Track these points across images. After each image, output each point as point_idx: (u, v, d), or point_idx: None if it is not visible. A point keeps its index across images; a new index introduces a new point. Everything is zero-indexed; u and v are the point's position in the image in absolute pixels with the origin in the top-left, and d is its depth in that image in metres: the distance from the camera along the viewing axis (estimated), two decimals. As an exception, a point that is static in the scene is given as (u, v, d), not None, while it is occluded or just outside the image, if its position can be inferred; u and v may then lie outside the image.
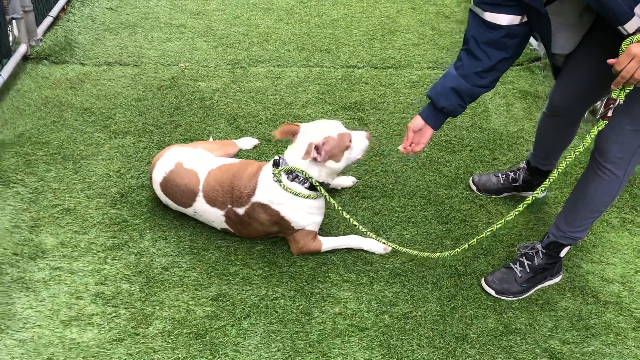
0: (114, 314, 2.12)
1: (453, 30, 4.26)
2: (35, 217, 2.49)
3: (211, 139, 2.98)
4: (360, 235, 2.45)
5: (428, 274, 2.35)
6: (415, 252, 2.28)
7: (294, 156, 2.26)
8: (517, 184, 2.70)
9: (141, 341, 2.04)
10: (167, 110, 3.22)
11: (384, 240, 2.33)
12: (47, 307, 2.14)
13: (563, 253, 2.29)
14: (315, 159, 2.21)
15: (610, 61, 1.72)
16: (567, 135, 2.47)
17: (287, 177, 2.26)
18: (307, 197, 2.26)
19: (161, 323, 2.10)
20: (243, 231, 2.39)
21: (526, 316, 2.21)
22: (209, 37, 3.98)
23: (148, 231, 2.46)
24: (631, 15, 1.65)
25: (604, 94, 2.15)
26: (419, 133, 2.23)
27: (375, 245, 2.41)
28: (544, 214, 2.69)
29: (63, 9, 4.15)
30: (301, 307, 2.18)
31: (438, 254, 2.26)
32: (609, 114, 1.83)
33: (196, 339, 2.05)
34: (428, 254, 2.27)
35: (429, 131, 2.21)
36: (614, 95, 1.79)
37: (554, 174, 2.01)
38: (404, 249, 2.29)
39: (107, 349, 2.00)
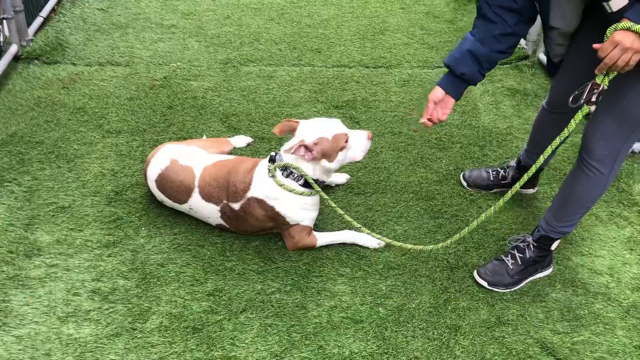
0: (111, 310, 2.13)
1: (442, 29, 4.32)
2: (30, 215, 2.49)
3: (205, 137, 3.00)
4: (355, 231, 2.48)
5: (421, 267, 2.39)
6: (409, 246, 2.32)
7: (288, 152, 2.29)
8: (506, 181, 2.74)
9: (138, 336, 2.05)
10: (159, 110, 3.23)
11: (377, 236, 2.36)
12: (44, 303, 2.14)
13: (554, 246, 2.34)
14: (304, 157, 2.24)
15: (595, 46, 1.75)
16: (560, 128, 2.46)
17: (282, 174, 2.29)
18: (301, 194, 2.29)
19: (158, 318, 2.12)
20: (239, 227, 2.41)
21: (518, 307, 2.25)
22: (200, 37, 4.00)
23: (143, 228, 2.48)
24: None
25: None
26: (440, 104, 2.16)
27: (369, 240, 2.44)
28: (533, 208, 2.74)
29: (53, 10, 4.15)
30: (297, 300, 2.21)
31: (431, 246, 2.30)
32: (593, 98, 1.84)
33: (193, 333, 2.07)
34: (421, 247, 2.30)
35: (450, 101, 2.15)
36: (597, 80, 1.82)
37: (532, 168, 2.05)
38: (398, 243, 2.33)
39: (104, 344, 2.02)
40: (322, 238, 2.42)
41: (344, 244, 2.46)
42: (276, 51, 3.89)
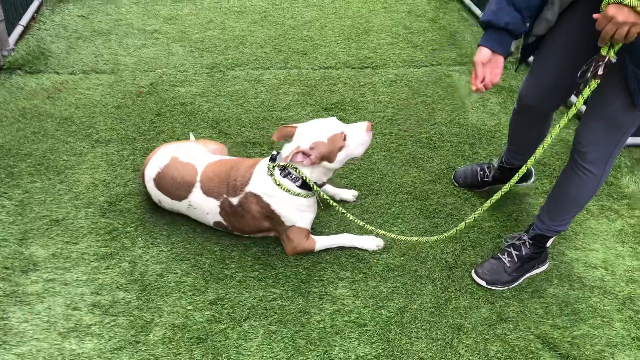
0: (112, 323, 2.11)
1: (425, 28, 4.34)
2: (23, 229, 2.45)
3: (192, 136, 2.96)
4: (355, 233, 2.48)
5: (420, 267, 2.41)
6: (414, 238, 2.30)
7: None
8: (487, 179, 2.76)
9: (142, 348, 2.03)
10: (148, 117, 3.20)
11: (382, 232, 2.36)
12: (44, 319, 2.11)
13: (549, 243, 2.37)
14: (303, 162, 2.24)
15: (595, 16, 1.70)
16: (539, 131, 2.45)
17: (280, 173, 2.29)
18: (297, 194, 2.29)
19: (161, 329, 2.10)
20: (236, 224, 2.40)
21: (517, 304, 2.28)
22: (184, 42, 3.97)
23: (140, 239, 2.45)
24: None
25: (575, 87, 2.22)
26: (489, 65, 1.98)
27: (367, 242, 2.45)
28: (526, 204, 2.77)
29: (33, 18, 4.09)
30: (299, 306, 2.21)
31: (436, 236, 2.27)
32: (600, 72, 1.80)
33: (198, 344, 2.06)
34: (425, 238, 2.29)
35: (499, 59, 1.98)
36: (602, 52, 1.79)
37: (523, 169, 2.06)
38: (403, 237, 2.33)
39: (108, 358, 1.99)
40: (321, 242, 2.42)
41: (342, 248, 2.46)
42: (262, 54, 3.88)
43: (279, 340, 2.09)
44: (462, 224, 2.23)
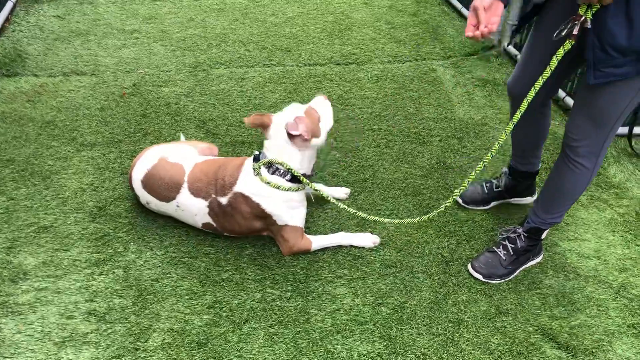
0: (109, 331, 2.07)
1: (407, 23, 4.35)
2: (10, 237, 2.39)
3: (182, 137, 2.92)
4: (351, 232, 2.47)
5: (417, 263, 2.41)
6: (416, 219, 2.27)
7: (272, 149, 2.26)
8: (500, 189, 2.67)
9: (142, 355, 1.99)
10: (133, 119, 3.14)
11: (387, 219, 2.34)
12: (37, 329, 2.06)
13: (544, 236, 2.39)
14: (299, 139, 2.21)
15: None
16: (535, 129, 2.42)
17: (268, 171, 2.27)
18: (289, 189, 2.27)
19: (160, 335, 2.06)
20: (226, 225, 2.37)
21: (515, 296, 2.29)
22: (165, 42, 3.91)
23: (132, 243, 2.41)
24: None
25: (561, 80, 2.23)
26: (489, 11, 1.86)
27: (364, 239, 2.44)
28: (517, 197, 2.79)
29: (7, 19, 3.98)
30: (299, 306, 2.19)
31: (435, 211, 2.22)
32: (575, 31, 1.79)
33: (198, 348, 2.03)
34: (418, 218, 2.29)
35: (499, 6, 1.85)
36: (580, 12, 1.78)
37: (488, 156, 2.04)
38: (396, 220, 2.34)
39: (107, 367, 1.96)
40: (317, 241, 2.41)
41: (338, 246, 2.45)
42: (245, 52, 3.84)
43: (281, 342, 2.07)
44: (442, 206, 2.21)
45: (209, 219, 2.37)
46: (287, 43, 3.96)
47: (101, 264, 2.31)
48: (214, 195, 2.32)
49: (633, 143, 3.12)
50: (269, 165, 2.26)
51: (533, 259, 2.43)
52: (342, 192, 2.71)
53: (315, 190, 2.30)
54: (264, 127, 2.26)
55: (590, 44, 1.83)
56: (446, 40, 4.14)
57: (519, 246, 2.38)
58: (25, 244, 2.37)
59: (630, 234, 2.61)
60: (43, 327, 2.07)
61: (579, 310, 2.26)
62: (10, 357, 1.97)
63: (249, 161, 2.33)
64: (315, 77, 3.60)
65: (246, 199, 2.28)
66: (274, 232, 2.39)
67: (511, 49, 3.92)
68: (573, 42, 1.83)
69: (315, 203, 2.61)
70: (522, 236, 2.39)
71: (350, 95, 3.46)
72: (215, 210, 2.34)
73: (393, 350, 2.06)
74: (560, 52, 1.86)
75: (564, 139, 2.16)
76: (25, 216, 2.49)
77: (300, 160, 2.26)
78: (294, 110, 2.27)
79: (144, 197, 2.45)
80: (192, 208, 2.37)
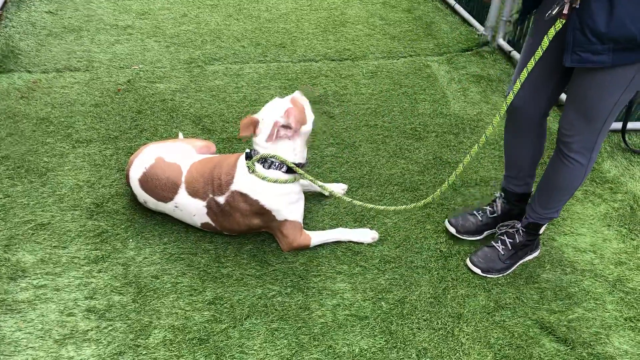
0: (110, 328, 2.06)
1: (401, 19, 4.36)
2: (7, 235, 2.37)
3: (181, 135, 2.91)
4: (349, 227, 2.48)
5: (416, 258, 2.42)
6: (411, 205, 2.29)
7: (263, 144, 2.27)
8: (496, 215, 2.54)
9: (143, 352, 1.99)
10: (128, 115, 3.13)
11: (392, 207, 2.35)
12: (37, 327, 2.05)
13: (542, 230, 2.41)
14: (288, 134, 2.24)
15: None
16: (530, 146, 2.34)
17: (263, 166, 2.27)
18: (286, 181, 2.28)
19: (161, 332, 2.06)
20: (225, 224, 2.37)
21: (513, 291, 2.31)
22: (159, 37, 3.89)
23: (131, 240, 2.40)
24: None
25: (561, 87, 2.22)
26: None
27: (363, 235, 2.45)
28: (513, 192, 2.81)
29: (-1, 15, 3.94)
30: (299, 302, 2.20)
31: (430, 197, 2.23)
32: (565, 10, 1.80)
33: (200, 345, 2.03)
34: (413, 205, 2.29)
35: None
36: None
37: (467, 158, 2.04)
38: (391, 207, 2.36)
39: (109, 364, 1.95)
40: (316, 237, 2.41)
41: (337, 242, 2.45)
42: (239, 48, 3.82)
43: (282, 337, 2.07)
44: (438, 190, 2.24)
45: (207, 219, 2.37)
46: (281, 39, 3.95)
47: (100, 261, 2.30)
48: (211, 195, 2.32)
49: (627, 138, 3.15)
50: (264, 160, 2.26)
51: (531, 254, 2.46)
52: (339, 188, 2.72)
53: (311, 179, 2.30)
54: (255, 126, 2.28)
55: (572, 25, 1.83)
56: (440, 36, 4.16)
57: (518, 241, 2.40)
58: (23, 242, 2.35)
59: (625, 228, 2.64)
60: (43, 324, 2.06)
61: (576, 304, 2.29)
62: (10, 355, 1.96)
63: (242, 158, 2.33)
64: (311, 73, 3.60)
65: (244, 196, 2.28)
66: (273, 229, 2.39)
67: (501, 42, 3.93)
68: (564, 22, 1.83)
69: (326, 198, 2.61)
70: (520, 231, 2.40)
71: (345, 91, 3.46)
72: (213, 209, 2.33)
73: (394, 345, 2.07)
74: (552, 31, 1.86)
75: (557, 135, 2.17)
76: (22, 213, 2.47)
77: (292, 150, 2.28)
78: (278, 104, 2.29)
79: (142, 196, 2.44)
80: (191, 208, 2.36)
